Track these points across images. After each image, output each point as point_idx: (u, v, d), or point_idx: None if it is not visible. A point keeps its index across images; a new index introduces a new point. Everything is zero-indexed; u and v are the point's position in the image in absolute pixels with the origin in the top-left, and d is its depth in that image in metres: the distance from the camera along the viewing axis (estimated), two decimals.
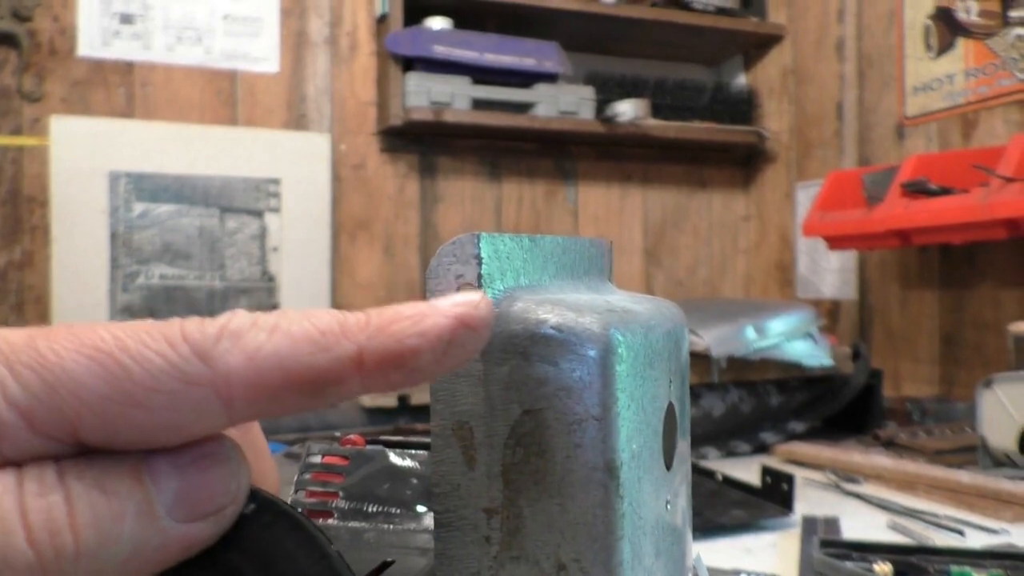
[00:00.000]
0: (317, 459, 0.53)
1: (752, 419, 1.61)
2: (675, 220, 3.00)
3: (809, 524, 1.07)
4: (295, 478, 0.52)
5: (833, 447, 1.55)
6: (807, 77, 2.91)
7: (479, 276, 0.33)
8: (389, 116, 2.50)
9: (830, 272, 2.80)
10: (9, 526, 0.21)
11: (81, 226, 2.39)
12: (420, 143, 2.69)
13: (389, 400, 1.46)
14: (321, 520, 0.51)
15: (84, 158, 2.36)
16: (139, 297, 2.49)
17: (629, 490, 0.33)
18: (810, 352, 1.56)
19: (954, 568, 0.90)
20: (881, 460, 1.42)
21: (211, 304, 2.59)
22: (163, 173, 2.43)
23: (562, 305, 0.34)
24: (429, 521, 0.48)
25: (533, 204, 2.84)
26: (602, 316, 0.34)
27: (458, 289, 0.33)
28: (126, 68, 2.41)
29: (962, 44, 2.33)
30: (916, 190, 1.95)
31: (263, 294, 2.60)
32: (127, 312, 2.52)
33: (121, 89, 2.40)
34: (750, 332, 1.52)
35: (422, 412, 1.47)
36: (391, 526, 0.48)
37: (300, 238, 2.60)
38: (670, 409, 0.39)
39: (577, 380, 0.33)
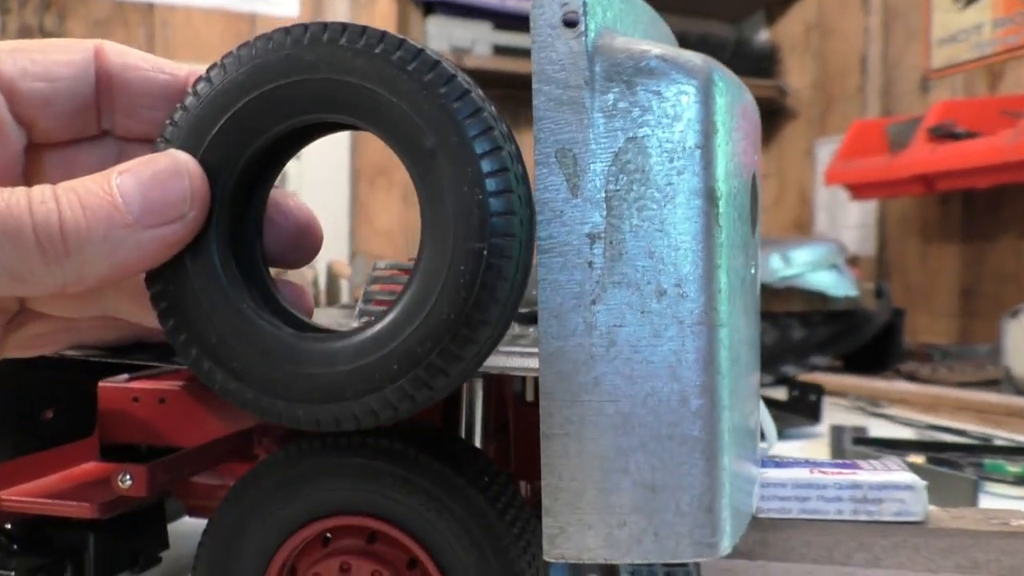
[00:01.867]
0: (383, 272, 0.53)
1: (775, 352, 1.61)
2: None
3: (837, 431, 1.07)
4: (363, 289, 0.53)
5: (856, 378, 1.55)
6: (830, 31, 2.89)
7: (584, 5, 0.33)
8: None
9: (849, 228, 2.79)
10: (22, 224, 0.27)
11: None
12: None
13: None
14: None
15: None
16: None
17: (726, 223, 0.34)
18: (835, 282, 1.56)
19: (987, 461, 0.90)
20: (905, 385, 1.42)
21: None
22: None
23: (661, 44, 0.34)
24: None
25: None
26: (700, 56, 0.34)
27: (563, 18, 0.33)
28: (147, 8, 2.40)
29: None
30: (942, 134, 1.94)
31: None
32: None
33: (141, 29, 2.40)
34: (775, 261, 1.51)
35: None
36: None
37: (319, 184, 2.60)
38: (753, 179, 0.39)
39: (680, 108, 0.33)
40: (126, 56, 0.36)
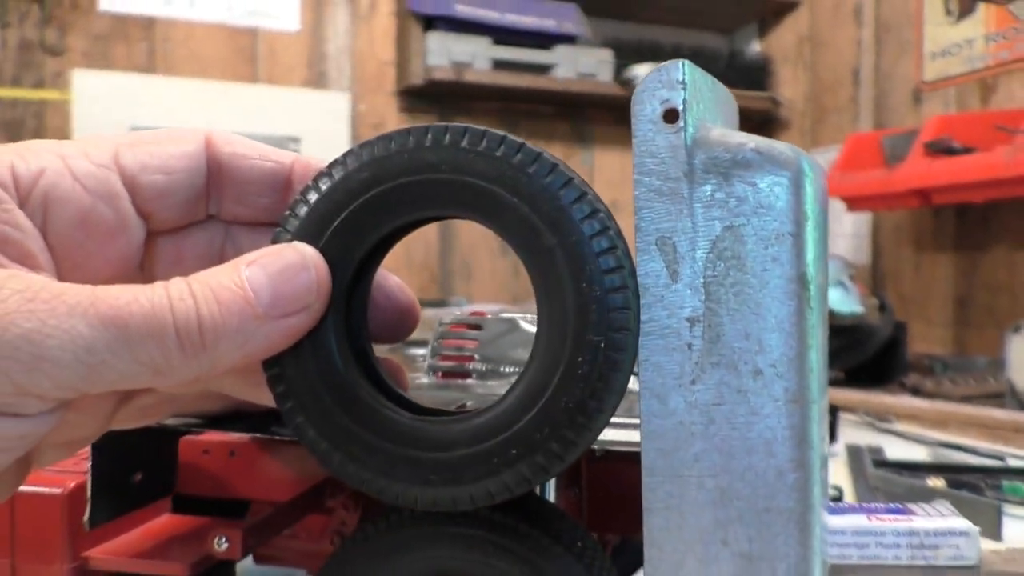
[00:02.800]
0: (448, 328, 0.55)
1: None
2: None
3: (854, 451, 1.10)
4: (429, 344, 0.55)
5: (862, 392, 1.58)
6: (823, 43, 2.93)
7: (684, 101, 0.35)
8: (409, 75, 2.50)
9: (843, 237, 2.83)
10: (165, 324, 0.29)
11: None
12: (439, 104, 2.69)
13: None
14: (459, 380, 0.53)
15: (106, 113, 2.35)
16: None
17: (816, 305, 0.36)
18: (842, 299, 1.59)
19: (1006, 483, 0.93)
20: (913, 401, 1.45)
21: None
22: None
23: (753, 137, 0.36)
24: None
25: None
26: (790, 146, 0.36)
27: (663, 114, 0.35)
28: (147, 23, 2.40)
29: (983, 8, 2.36)
30: (939, 149, 1.98)
31: None
32: None
33: (143, 44, 2.40)
34: None
35: None
36: None
37: None
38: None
39: (774, 198, 0.35)
40: (234, 145, 0.37)
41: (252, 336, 0.31)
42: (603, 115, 2.89)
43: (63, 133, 2.33)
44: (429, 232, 2.71)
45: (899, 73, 2.65)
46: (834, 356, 1.74)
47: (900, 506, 0.52)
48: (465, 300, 1.89)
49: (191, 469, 0.53)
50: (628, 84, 2.63)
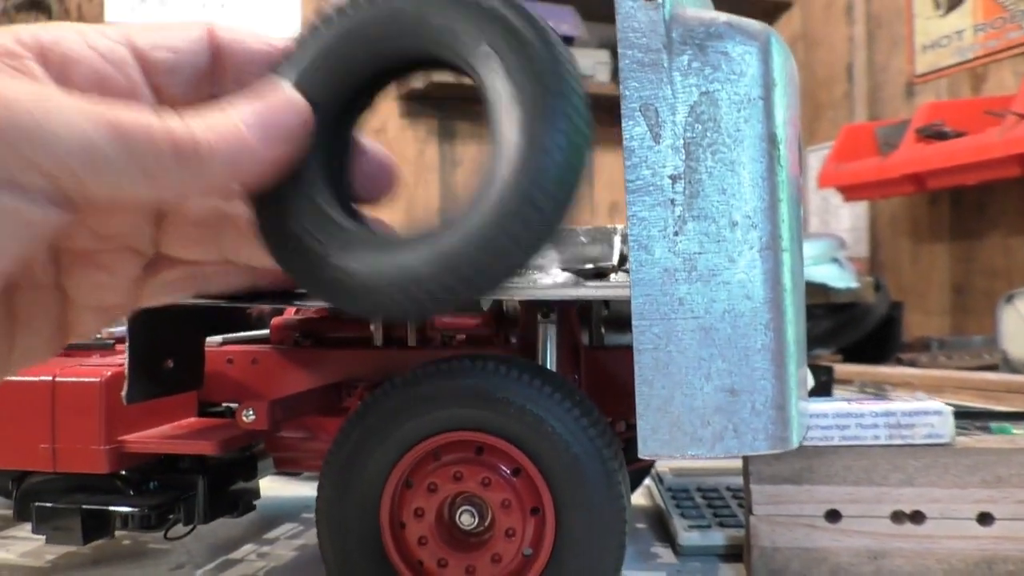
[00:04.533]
0: None
1: None
2: None
3: None
4: None
5: (859, 366, 1.61)
6: (816, 41, 2.99)
7: None
8: (409, 80, 2.56)
9: (843, 231, 2.86)
10: (163, 134, 0.31)
11: None
12: (439, 108, 2.74)
13: None
14: None
15: None
16: None
17: (785, 164, 0.39)
18: (837, 275, 1.63)
19: (994, 425, 0.96)
20: (908, 370, 1.48)
21: None
22: None
23: (724, 13, 0.40)
24: (563, 276, 0.54)
25: None
26: (758, 22, 0.40)
27: None
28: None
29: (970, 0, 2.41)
30: (931, 134, 2.02)
31: None
32: None
33: None
34: None
35: None
36: (526, 279, 0.54)
37: None
38: (799, 132, 0.45)
39: (745, 65, 0.38)
40: (234, 31, 0.40)
41: (243, 161, 0.33)
42: (602, 116, 2.91)
43: None
44: (430, 193, 2.75)
45: (892, 67, 2.70)
46: (831, 335, 1.78)
47: (881, 395, 0.55)
48: None
49: (216, 377, 0.57)
50: None
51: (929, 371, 1.46)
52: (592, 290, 0.44)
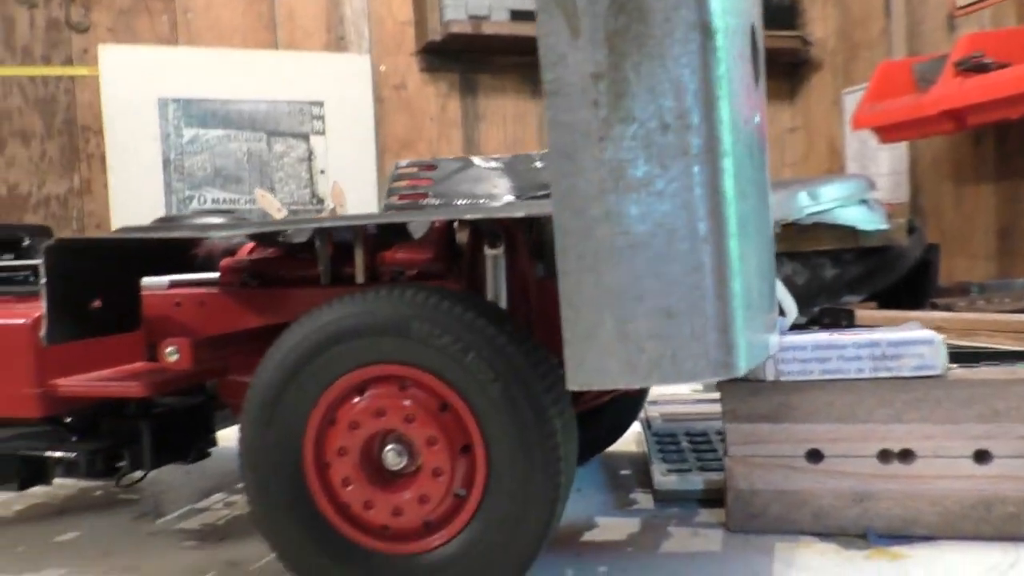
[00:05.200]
0: (407, 169, 0.55)
1: (806, 292, 1.60)
2: None
3: None
4: (388, 186, 0.55)
5: (888, 312, 1.54)
6: None
7: None
8: (427, 32, 2.50)
9: (881, 177, 2.75)
10: None
11: (135, 153, 2.44)
12: (460, 61, 2.69)
13: None
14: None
15: (133, 86, 2.41)
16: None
17: (725, 58, 0.35)
18: (866, 217, 1.54)
19: (1020, 365, 0.90)
20: (938, 314, 1.41)
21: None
22: (210, 98, 2.48)
23: None
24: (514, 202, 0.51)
25: None
26: None
27: None
28: None
29: None
30: (970, 67, 1.90)
31: (312, 215, 2.65)
32: None
33: (164, 16, 2.44)
34: (803, 198, 1.50)
35: None
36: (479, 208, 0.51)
37: (346, 160, 2.63)
38: (752, 32, 0.40)
39: None
40: None
41: None
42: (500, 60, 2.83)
43: (94, 108, 2.39)
44: (454, 148, 2.71)
45: (931, 0, 2.55)
46: (862, 280, 1.70)
47: (866, 326, 0.51)
48: None
49: (163, 321, 0.55)
50: None
51: (961, 315, 1.39)
52: (517, 208, 0.40)
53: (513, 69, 2.75)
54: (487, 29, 2.44)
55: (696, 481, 0.56)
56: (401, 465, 0.40)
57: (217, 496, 0.63)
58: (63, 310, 0.44)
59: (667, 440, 0.65)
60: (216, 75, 2.49)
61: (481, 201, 0.51)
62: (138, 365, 0.53)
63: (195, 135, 2.52)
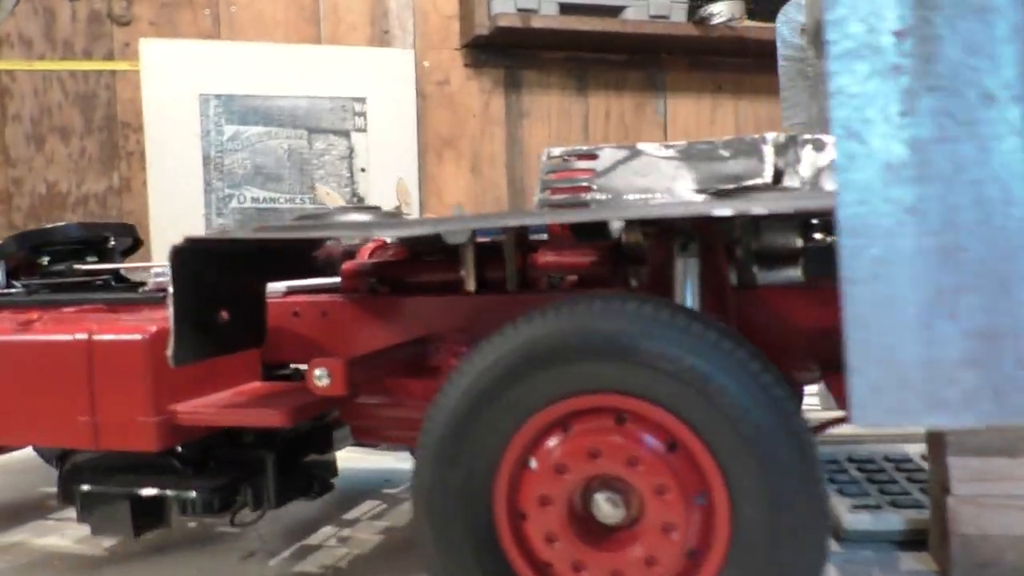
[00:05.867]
0: (558, 159, 0.48)
1: None
2: (770, 128, 2.89)
3: None
4: (538, 179, 0.48)
5: None
6: None
7: None
8: (474, 27, 2.44)
9: None
10: None
11: (174, 150, 2.40)
12: (505, 56, 2.62)
13: None
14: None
15: (174, 81, 2.36)
16: (233, 220, 2.50)
17: None
18: None
19: None
20: None
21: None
22: (251, 95, 2.42)
23: None
24: (700, 199, 0.43)
25: (621, 118, 2.76)
26: None
27: None
28: None
29: None
30: None
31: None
32: None
33: (207, 10, 2.39)
34: None
35: None
36: (662, 205, 0.43)
37: (387, 158, 2.57)
38: None
39: None
40: None
41: None
42: (677, 60, 2.77)
43: (135, 104, 2.35)
44: (498, 188, 2.65)
45: None
46: None
47: None
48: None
49: (280, 334, 0.48)
50: (705, 23, 2.51)
51: None
52: (756, 204, 0.32)
53: (558, 65, 2.68)
54: (536, 23, 2.37)
55: (894, 521, 0.49)
56: (619, 518, 0.33)
57: (326, 530, 0.56)
58: (191, 324, 0.37)
59: (832, 468, 0.58)
60: (258, 70, 2.45)
61: (657, 196, 0.43)
62: (260, 386, 0.46)
63: (235, 132, 2.47)
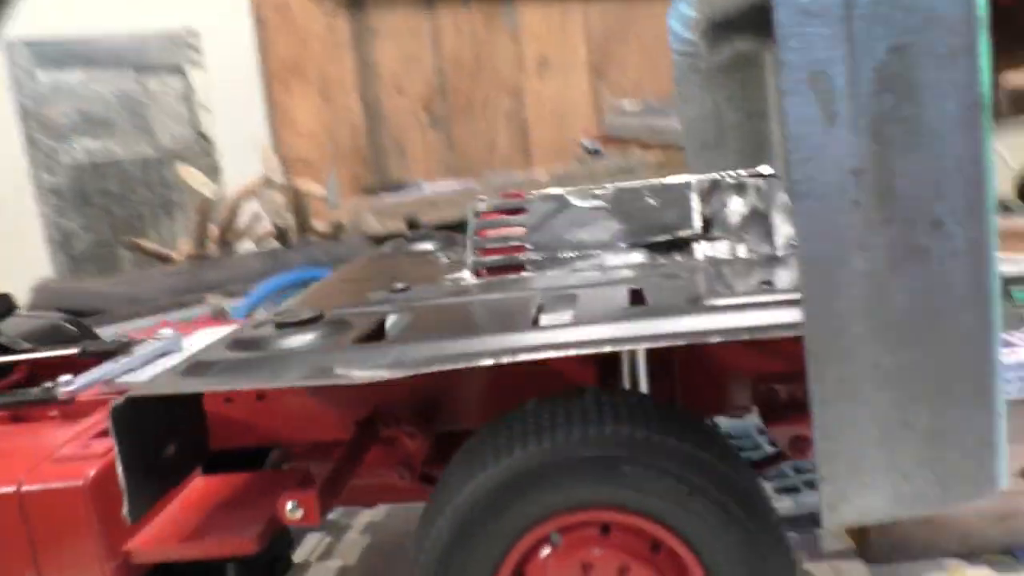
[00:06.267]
0: (487, 212, 0.47)
1: None
2: (620, 33, 2.90)
3: None
4: (467, 235, 0.47)
5: None
6: None
7: None
8: None
9: None
10: None
11: None
12: None
13: (398, 224, 1.38)
14: (513, 275, 0.46)
15: None
16: (67, 178, 2.28)
17: (991, 134, 0.30)
18: None
19: (1015, 290, 0.92)
20: None
21: (147, 175, 2.40)
22: (65, 36, 2.18)
23: None
24: (636, 256, 0.44)
25: (473, 33, 2.68)
26: None
27: None
28: None
29: None
30: None
31: (200, 158, 2.43)
32: (56, 195, 2.31)
33: None
34: None
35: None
36: (599, 264, 0.43)
37: (230, 92, 2.40)
38: None
39: (948, 4, 0.28)
40: None
41: None
42: None
43: None
44: (353, 114, 2.55)
45: None
46: None
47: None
48: (418, 183, 1.75)
49: (214, 421, 0.46)
50: None
51: None
52: (713, 333, 0.33)
53: None
54: None
55: (813, 503, 0.54)
56: None
57: None
58: (141, 471, 0.35)
59: (747, 445, 0.63)
60: (69, 8, 2.19)
61: (593, 252, 0.44)
62: (200, 489, 0.44)
63: (52, 79, 2.23)
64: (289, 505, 0.35)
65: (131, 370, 0.50)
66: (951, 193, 0.29)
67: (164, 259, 1.44)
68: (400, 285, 0.44)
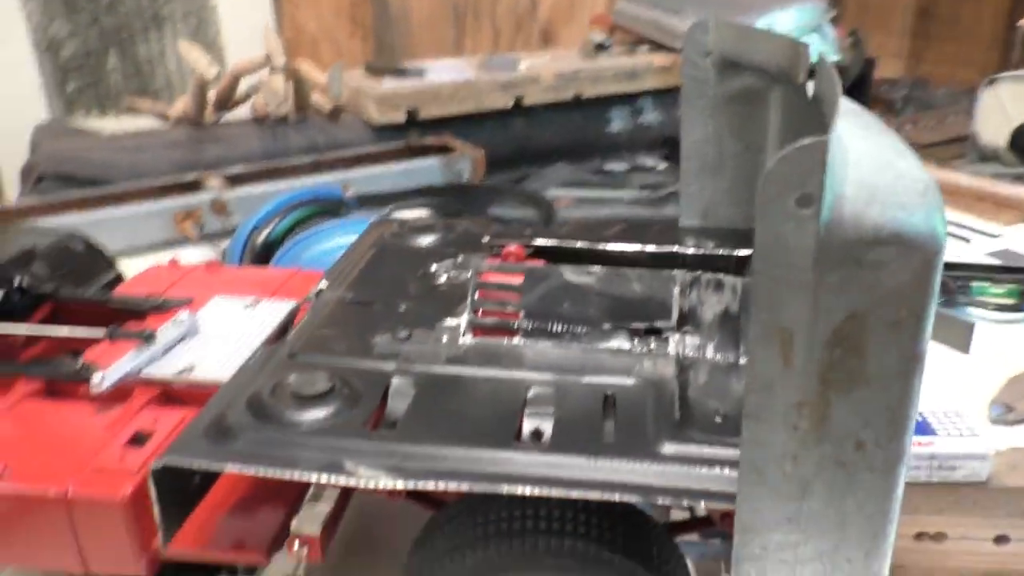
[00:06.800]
0: (495, 276, 0.52)
1: None
2: None
3: None
4: (469, 298, 0.51)
5: None
6: None
7: (820, 185, 0.30)
8: None
9: None
10: None
11: None
12: None
13: (398, 116, 1.38)
14: (506, 339, 0.51)
15: None
16: (75, 43, 2.17)
17: (923, 372, 0.34)
18: (818, 47, 1.52)
19: (974, 285, 0.98)
20: None
21: (146, 33, 2.28)
22: None
23: (888, 201, 0.31)
24: (618, 341, 0.49)
25: None
26: (927, 221, 0.32)
27: (796, 199, 0.30)
28: None
29: None
30: None
31: (201, 13, 2.30)
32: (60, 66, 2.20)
33: None
34: (761, 27, 1.45)
35: (430, 126, 1.41)
36: (582, 345, 0.49)
37: None
38: None
39: (905, 283, 0.31)
40: None
41: None
42: None
43: None
44: None
45: None
46: None
47: (922, 419, 0.55)
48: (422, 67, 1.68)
49: None
50: None
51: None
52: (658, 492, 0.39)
53: None
54: None
55: None
56: None
57: None
58: (174, 503, 0.42)
59: None
60: None
61: (579, 330, 0.49)
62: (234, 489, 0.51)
63: None
64: (296, 546, 0.43)
65: (154, 360, 0.55)
66: (877, 424, 0.34)
67: (161, 116, 1.44)
68: (404, 333, 0.49)
